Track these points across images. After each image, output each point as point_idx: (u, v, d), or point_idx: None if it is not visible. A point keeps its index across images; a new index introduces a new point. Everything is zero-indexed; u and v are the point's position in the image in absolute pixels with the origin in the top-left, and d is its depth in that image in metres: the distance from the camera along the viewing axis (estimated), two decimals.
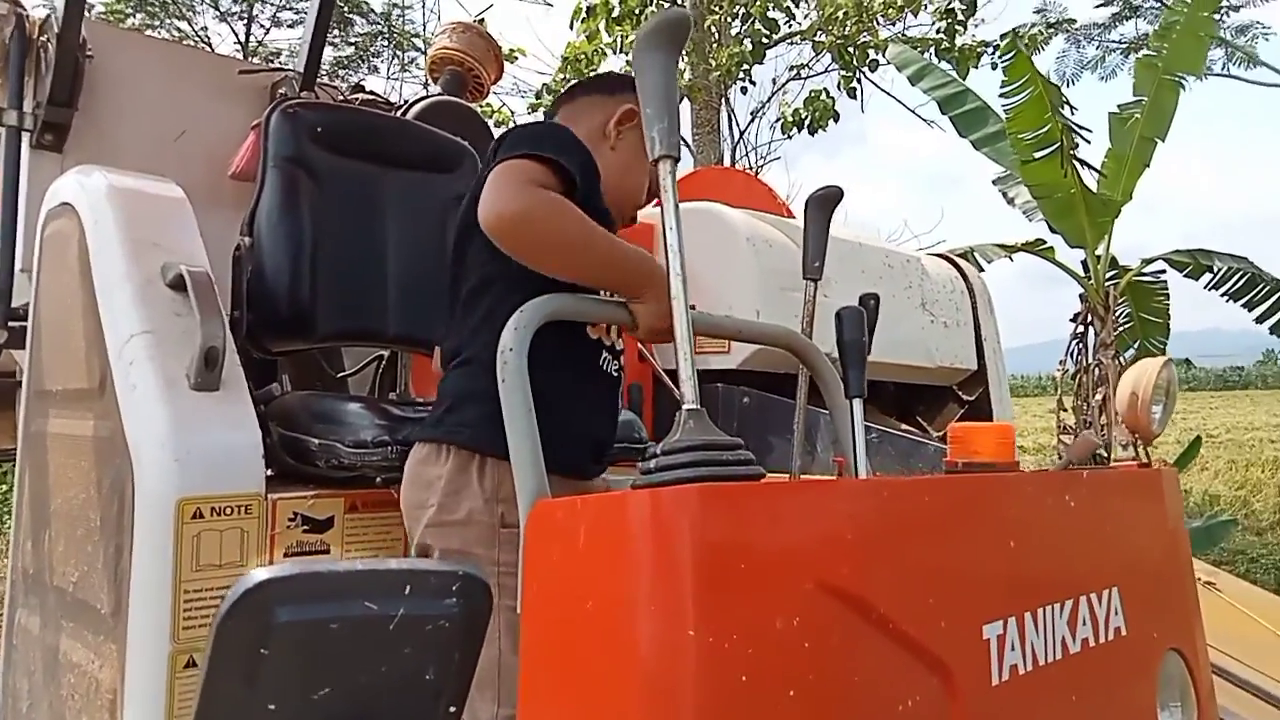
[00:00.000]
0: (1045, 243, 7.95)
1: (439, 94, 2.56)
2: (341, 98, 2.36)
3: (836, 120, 9.59)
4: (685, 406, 0.86)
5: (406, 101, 2.45)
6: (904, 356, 2.41)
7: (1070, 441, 7.96)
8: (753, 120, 10.89)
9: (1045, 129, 6.37)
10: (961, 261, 2.81)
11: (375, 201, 1.72)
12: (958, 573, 0.93)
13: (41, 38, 1.91)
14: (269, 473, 1.30)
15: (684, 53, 10.07)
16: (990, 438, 1.41)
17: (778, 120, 10.20)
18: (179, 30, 12.04)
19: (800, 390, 1.56)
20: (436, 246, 1.75)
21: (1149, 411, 1.42)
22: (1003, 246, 7.97)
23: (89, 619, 1.28)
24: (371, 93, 2.47)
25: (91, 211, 1.44)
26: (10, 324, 1.83)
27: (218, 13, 12.39)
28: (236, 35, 12.57)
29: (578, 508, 0.78)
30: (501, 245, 1.05)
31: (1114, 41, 11.59)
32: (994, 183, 8.82)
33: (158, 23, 11.54)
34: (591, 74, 8.78)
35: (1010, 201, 8.74)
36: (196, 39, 11.81)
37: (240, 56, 10.63)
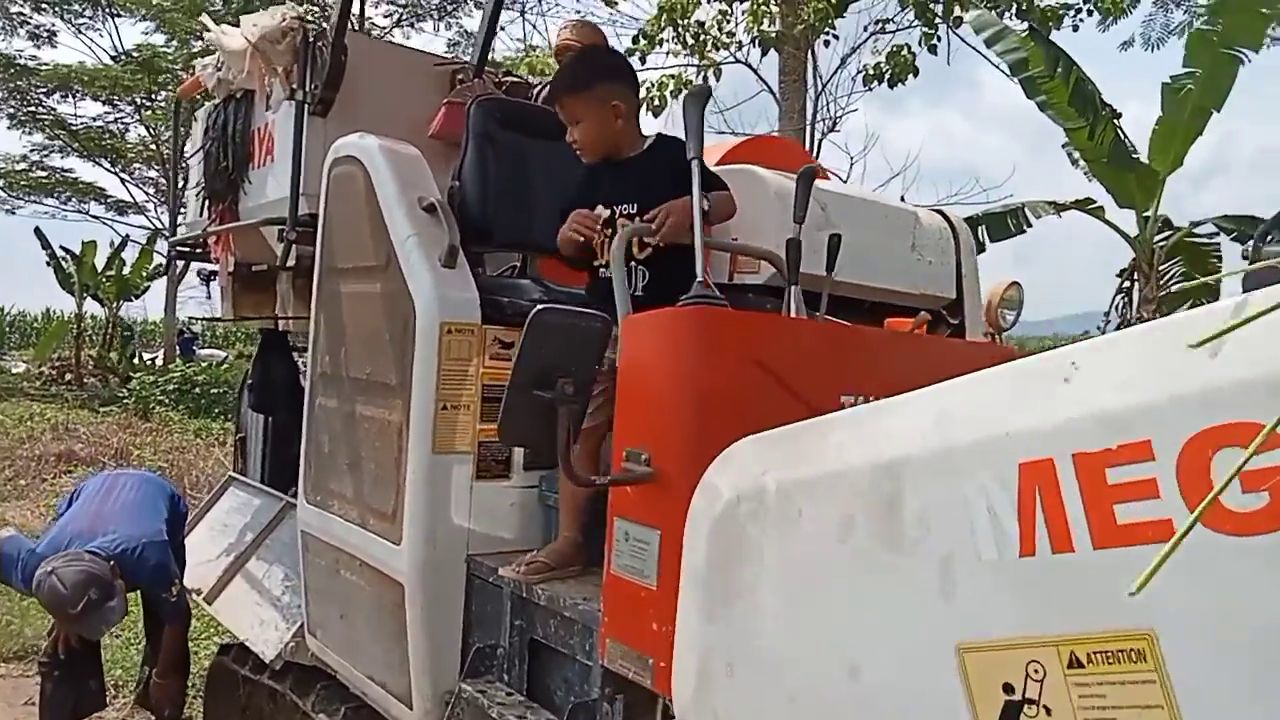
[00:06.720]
0: (1095, 201, 8.49)
1: None
2: (496, 81, 3.34)
3: (916, 75, 10.15)
4: (698, 279, 1.82)
5: (541, 82, 3.42)
6: (890, 284, 3.29)
7: None
8: (838, 69, 11.42)
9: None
10: (950, 213, 3.64)
11: (529, 161, 2.70)
12: (836, 369, 1.88)
13: (317, 43, 2.93)
14: None
15: (775, 4, 10.49)
16: (909, 328, 2.37)
17: (858, 73, 10.77)
18: None
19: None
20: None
21: (999, 313, 2.32)
22: (1053, 204, 8.54)
23: (380, 391, 2.34)
24: (517, 76, 3.44)
25: (372, 162, 2.46)
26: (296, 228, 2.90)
27: None
28: None
29: (644, 318, 1.75)
30: None
31: (1203, 6, 11.65)
32: (1063, 146, 9.30)
33: None
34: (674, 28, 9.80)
35: (1075, 162, 9.22)
36: None
37: None
